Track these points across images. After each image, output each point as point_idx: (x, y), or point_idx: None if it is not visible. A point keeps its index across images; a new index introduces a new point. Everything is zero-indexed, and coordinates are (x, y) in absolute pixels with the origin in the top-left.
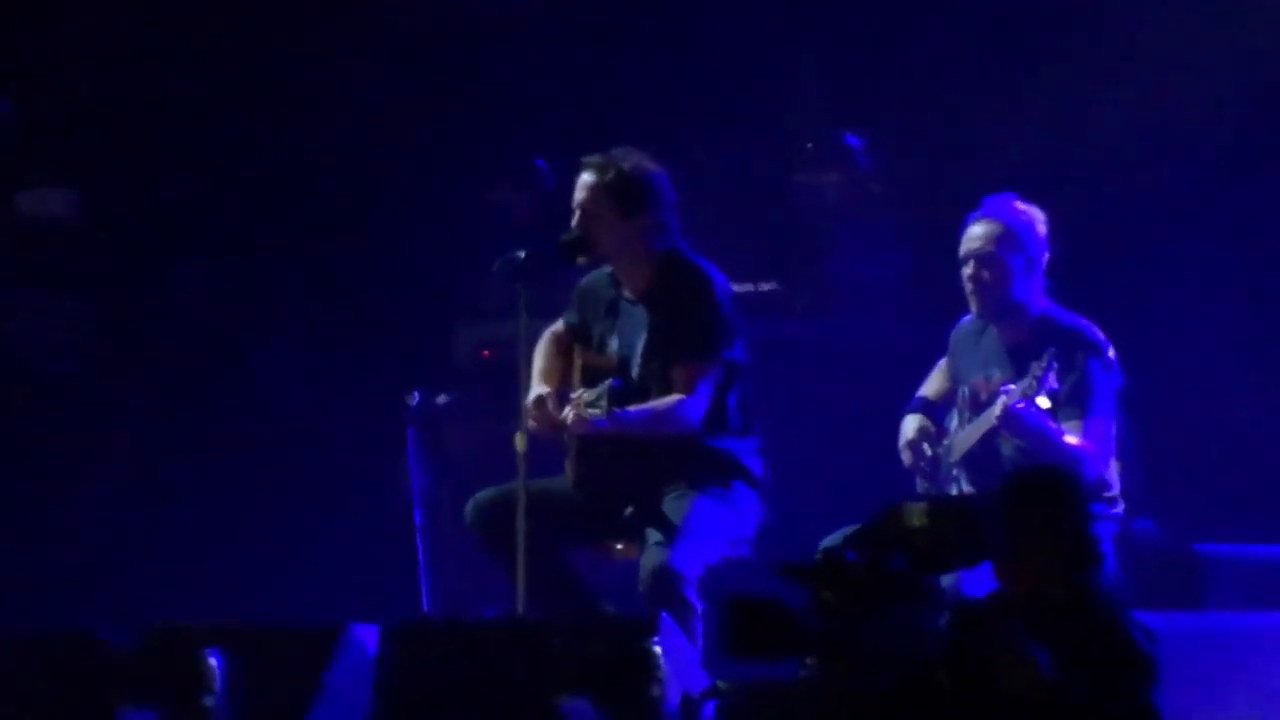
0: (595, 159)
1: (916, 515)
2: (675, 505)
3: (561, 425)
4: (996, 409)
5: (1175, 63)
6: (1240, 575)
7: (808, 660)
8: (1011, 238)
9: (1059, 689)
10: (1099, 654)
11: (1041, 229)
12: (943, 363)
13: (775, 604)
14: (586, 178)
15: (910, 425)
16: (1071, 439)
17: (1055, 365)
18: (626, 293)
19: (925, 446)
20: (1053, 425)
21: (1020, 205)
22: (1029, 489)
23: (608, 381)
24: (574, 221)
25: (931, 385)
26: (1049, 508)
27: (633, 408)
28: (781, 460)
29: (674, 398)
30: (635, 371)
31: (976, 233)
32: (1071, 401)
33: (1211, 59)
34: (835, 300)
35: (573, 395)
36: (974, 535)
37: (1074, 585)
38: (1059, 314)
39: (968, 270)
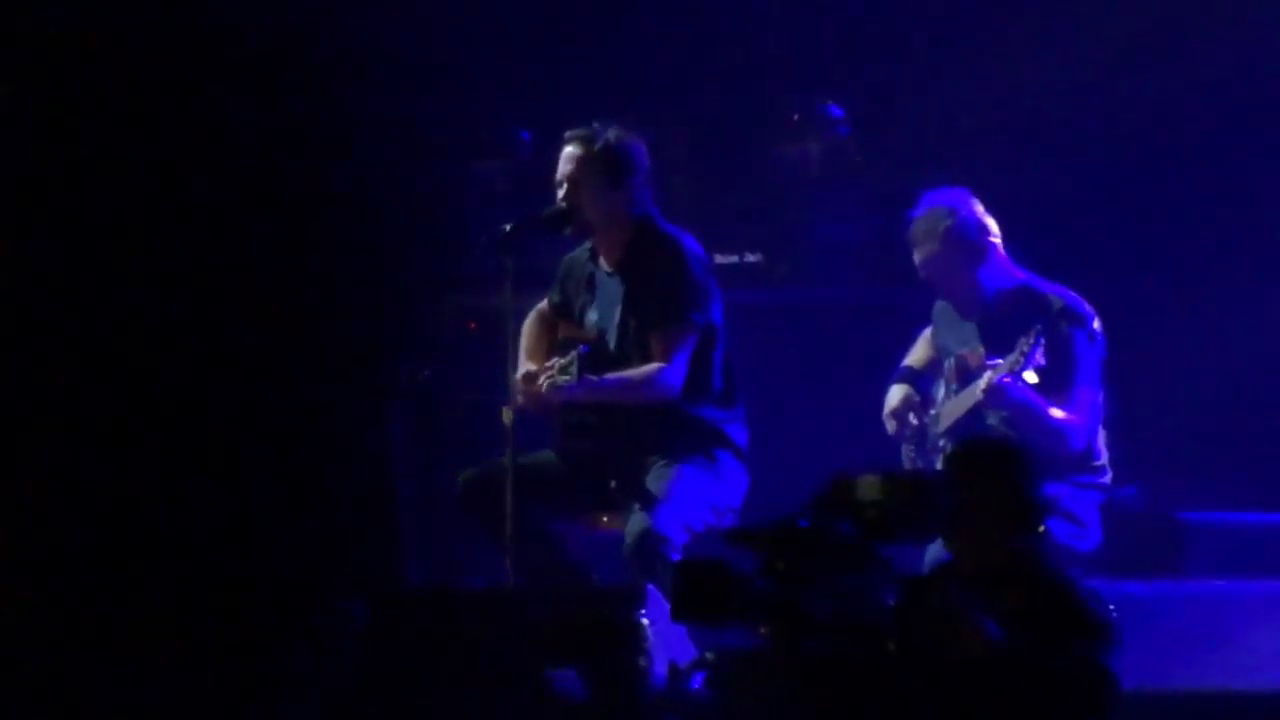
0: (580, 132)
1: (867, 486)
2: (659, 474)
3: (545, 399)
4: (982, 383)
5: (1157, 24)
6: (1222, 542)
7: (759, 627)
8: (952, 231)
9: (1006, 655)
10: (1046, 619)
11: (979, 210)
12: (927, 332)
13: (724, 568)
14: (572, 150)
15: (895, 395)
16: (1057, 411)
17: (1042, 341)
18: (604, 265)
19: (910, 415)
20: (1038, 398)
21: (955, 195)
22: (973, 457)
23: (577, 348)
24: (560, 194)
25: (916, 354)
26: (993, 475)
27: (608, 375)
28: (767, 429)
29: (651, 366)
30: (613, 342)
31: (920, 235)
32: (1057, 372)
33: (1191, 21)
34: (816, 268)
35: (546, 365)
36: (925, 508)
37: (1019, 551)
38: (1040, 284)
39: (923, 274)
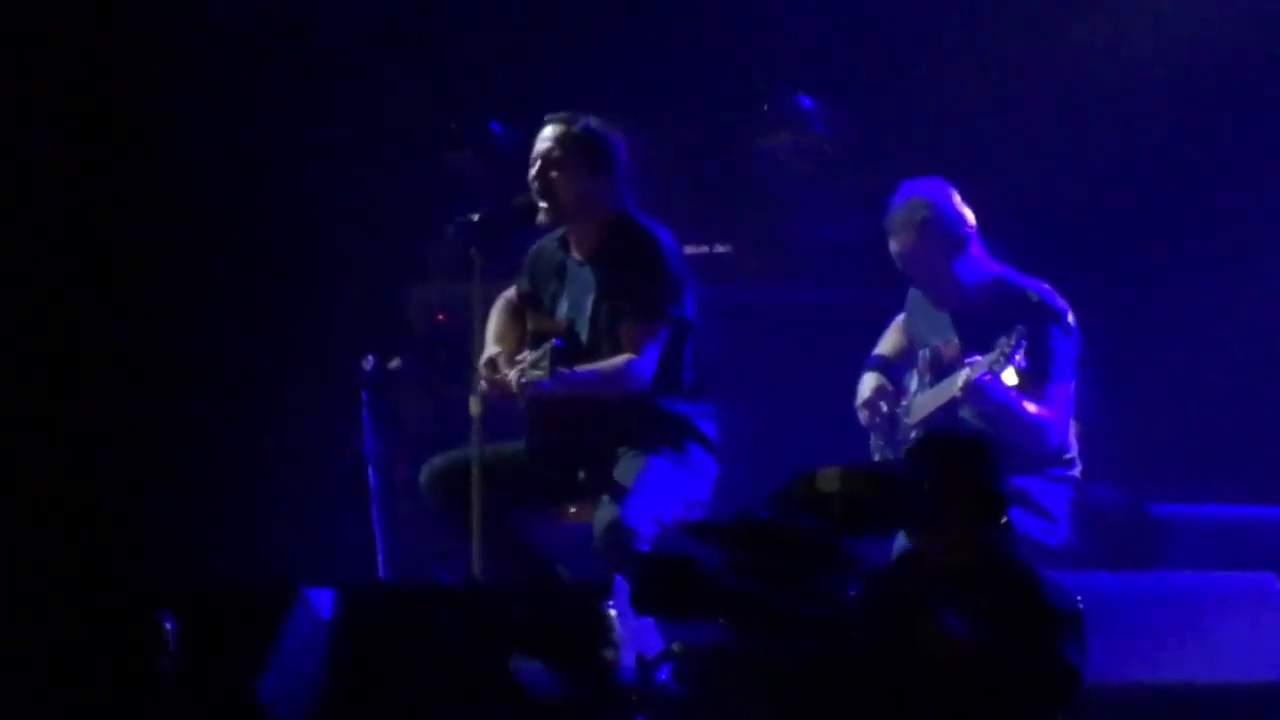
0: (560, 114)
1: (828, 479)
2: (628, 465)
3: (513, 391)
4: (960, 380)
5: (1138, 21)
6: (1195, 536)
7: (720, 621)
8: (930, 222)
9: (972, 649)
10: (1012, 612)
11: (957, 201)
12: (899, 319)
13: (686, 562)
14: (551, 130)
15: (867, 384)
16: (1033, 407)
17: (1024, 343)
18: (575, 254)
19: (883, 404)
20: (1017, 397)
21: (934, 185)
22: (937, 448)
23: (550, 342)
24: (533, 174)
25: (888, 343)
26: (956, 467)
27: (580, 368)
28: (738, 423)
29: (622, 358)
30: (584, 334)
31: (897, 225)
32: (1033, 367)
33: (1175, 19)
34: (791, 263)
35: (518, 358)
36: (889, 502)
37: (984, 544)
38: (1016, 277)
39: (900, 264)
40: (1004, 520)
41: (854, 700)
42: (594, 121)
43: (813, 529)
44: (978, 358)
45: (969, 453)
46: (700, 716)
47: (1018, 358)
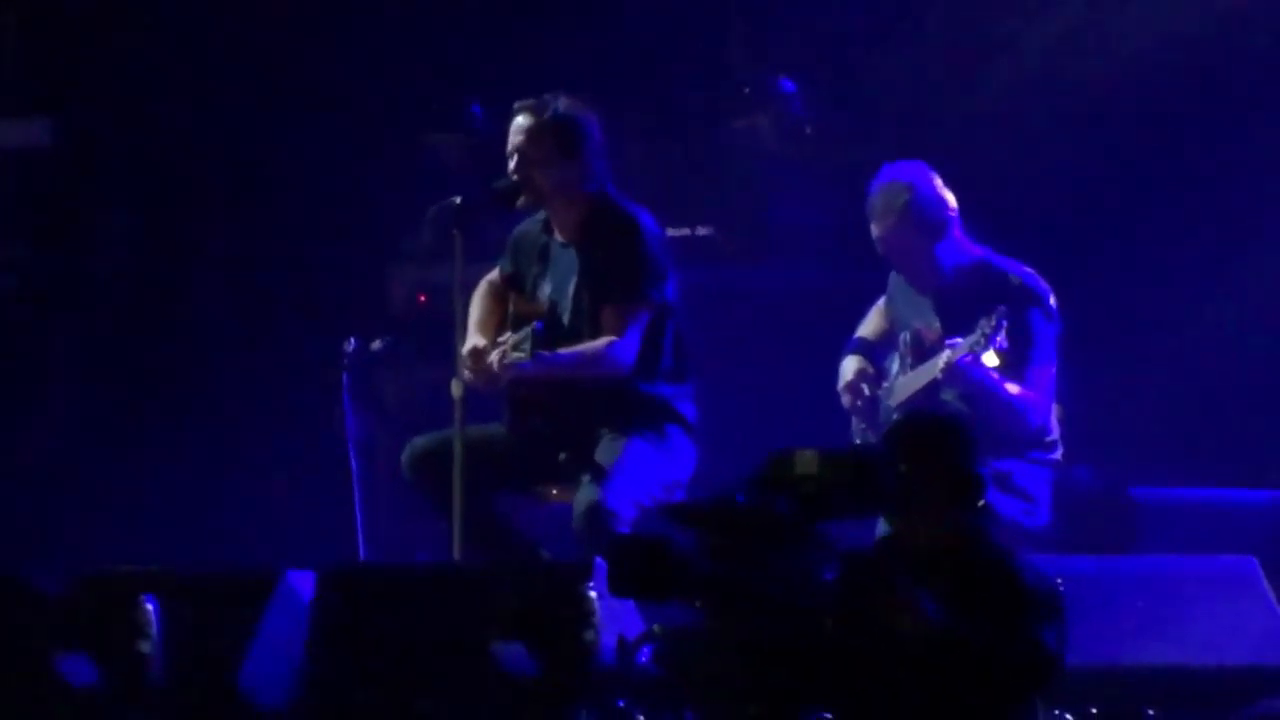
0: (529, 102)
1: (804, 462)
2: (608, 448)
3: (495, 376)
4: (941, 362)
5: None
6: (1174, 519)
7: (695, 604)
8: (911, 206)
9: (947, 634)
10: (988, 596)
11: (939, 184)
12: (881, 303)
13: (662, 544)
14: (522, 120)
15: (849, 366)
16: (1013, 388)
17: (1005, 324)
18: (558, 237)
19: (864, 387)
20: (997, 379)
21: (915, 169)
22: (913, 433)
23: (532, 325)
24: (511, 166)
25: (869, 325)
26: (934, 451)
27: (561, 350)
28: (720, 406)
29: (603, 340)
30: (566, 316)
31: (878, 209)
32: (1014, 350)
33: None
34: (771, 245)
35: (500, 340)
36: (865, 484)
37: (962, 528)
38: (997, 260)
39: (880, 248)
40: (981, 504)
41: (830, 684)
42: (563, 104)
43: (789, 512)
44: (958, 340)
45: (944, 436)
46: (679, 698)
47: (999, 339)
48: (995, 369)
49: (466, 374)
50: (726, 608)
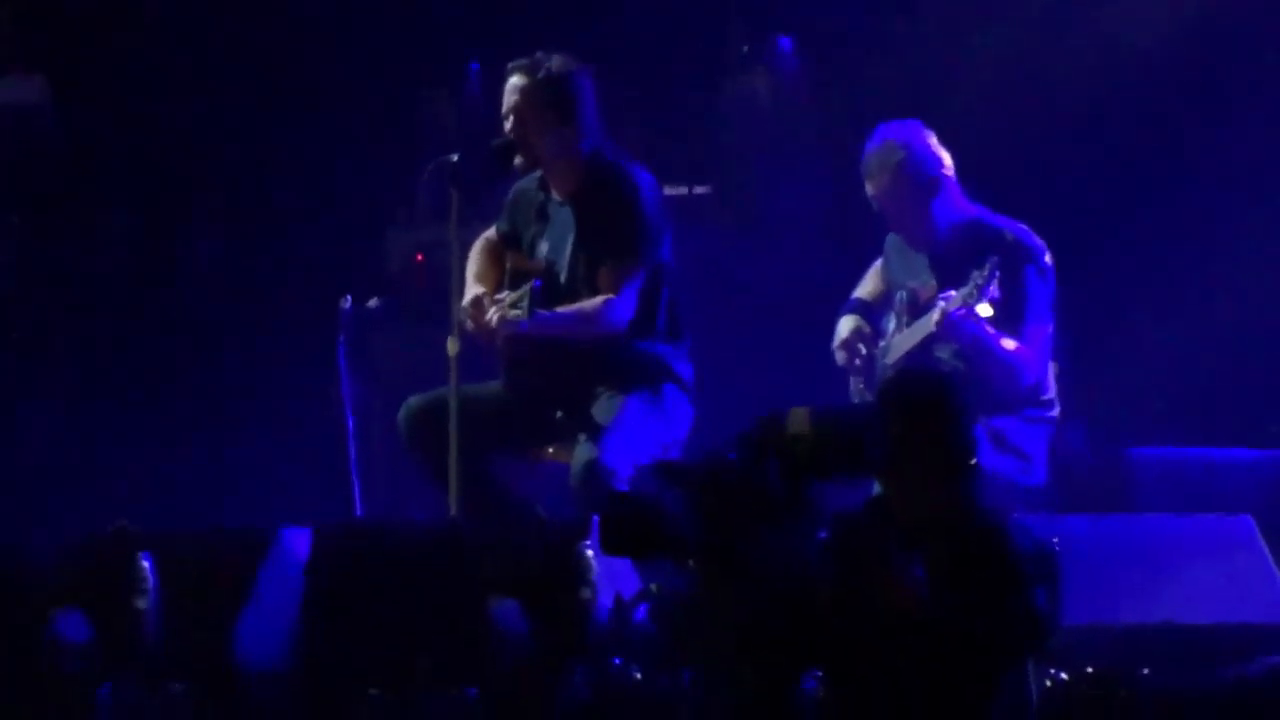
0: (522, 63)
1: (796, 421)
2: (605, 406)
3: (492, 331)
4: (935, 315)
5: None
6: (1169, 478)
7: (685, 564)
8: (905, 165)
9: (936, 601)
10: (980, 562)
11: (934, 143)
12: (878, 264)
13: (652, 503)
14: (516, 81)
15: (845, 326)
16: (1009, 344)
17: (997, 274)
18: (555, 196)
19: (860, 346)
20: (991, 332)
21: (909, 128)
22: (906, 396)
23: (529, 283)
24: (506, 127)
25: (866, 286)
26: (926, 415)
27: (558, 309)
28: (717, 364)
29: (600, 299)
30: (563, 275)
31: (873, 168)
32: (1008, 306)
33: None
34: (769, 206)
35: (497, 297)
36: (857, 445)
37: (951, 491)
38: (992, 218)
39: (875, 207)
40: (972, 466)
41: (822, 645)
42: (555, 64)
43: (780, 471)
44: (951, 293)
45: (936, 399)
46: (675, 656)
47: (991, 289)
48: (989, 321)
49: (468, 324)
50: (717, 568)
